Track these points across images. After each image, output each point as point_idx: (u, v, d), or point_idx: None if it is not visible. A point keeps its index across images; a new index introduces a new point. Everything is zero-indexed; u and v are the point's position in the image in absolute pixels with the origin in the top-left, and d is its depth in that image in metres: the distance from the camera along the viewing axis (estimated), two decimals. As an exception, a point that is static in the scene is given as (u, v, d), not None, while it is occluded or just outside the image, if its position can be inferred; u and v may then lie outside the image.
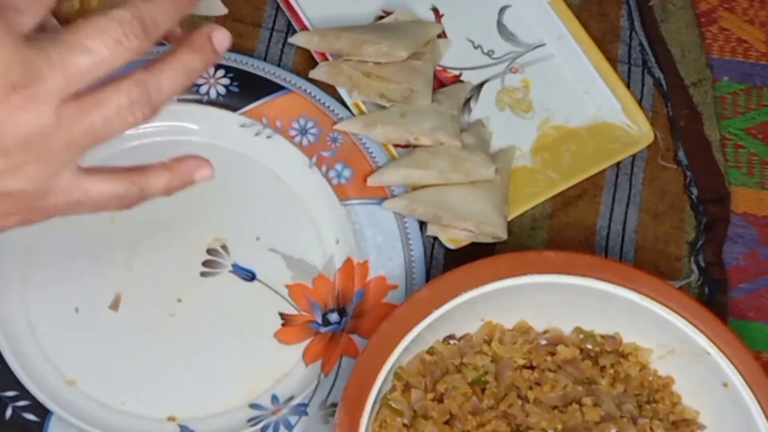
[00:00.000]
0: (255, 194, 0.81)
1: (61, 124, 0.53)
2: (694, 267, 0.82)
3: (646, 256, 0.82)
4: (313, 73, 0.83)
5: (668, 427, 0.72)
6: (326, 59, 0.83)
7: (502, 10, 0.89)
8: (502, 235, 0.78)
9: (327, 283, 0.79)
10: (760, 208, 0.85)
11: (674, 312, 0.71)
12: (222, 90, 0.82)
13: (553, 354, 0.73)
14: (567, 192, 0.83)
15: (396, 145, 0.82)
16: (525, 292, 0.72)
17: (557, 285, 0.71)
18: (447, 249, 0.80)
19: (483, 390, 0.72)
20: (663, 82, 0.88)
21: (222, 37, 0.59)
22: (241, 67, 0.82)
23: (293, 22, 0.85)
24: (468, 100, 0.85)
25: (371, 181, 0.80)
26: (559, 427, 0.70)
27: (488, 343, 0.73)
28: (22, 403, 0.71)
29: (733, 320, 0.80)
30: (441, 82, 0.86)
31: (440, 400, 0.71)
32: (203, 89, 0.82)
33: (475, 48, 0.88)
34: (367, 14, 0.87)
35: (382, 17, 0.87)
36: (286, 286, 0.78)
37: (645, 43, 0.89)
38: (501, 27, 0.89)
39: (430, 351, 0.72)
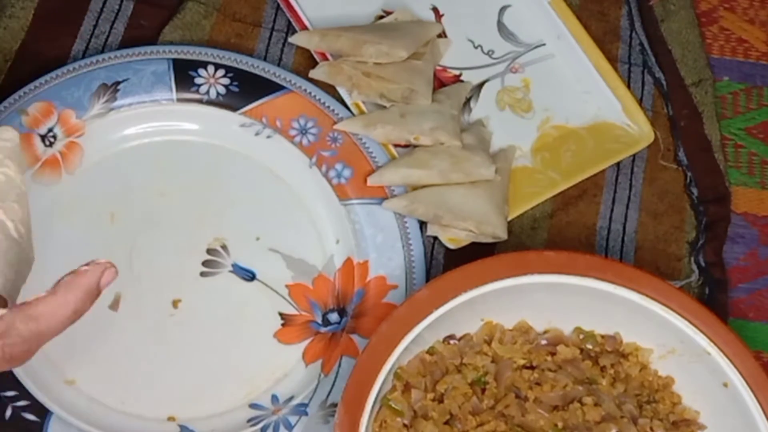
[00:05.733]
0: (255, 194, 0.81)
1: None
2: (694, 267, 0.82)
3: (647, 256, 0.82)
4: (313, 73, 0.83)
5: (668, 427, 0.72)
6: (326, 59, 0.83)
7: (502, 9, 0.89)
8: (502, 235, 0.78)
9: (327, 283, 0.79)
10: (761, 208, 0.85)
11: (674, 312, 0.71)
12: (222, 90, 0.82)
13: (553, 354, 0.73)
14: (567, 192, 0.83)
15: (396, 145, 0.82)
16: (525, 292, 0.71)
17: (557, 285, 0.71)
18: (447, 249, 0.80)
19: (483, 390, 0.71)
20: (663, 82, 0.88)
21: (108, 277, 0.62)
22: (241, 66, 0.83)
23: (293, 22, 0.85)
24: (468, 100, 0.85)
25: (371, 181, 0.80)
26: (560, 426, 0.70)
27: (488, 343, 0.73)
28: (22, 403, 0.71)
29: (733, 320, 0.80)
30: (441, 82, 0.86)
31: (440, 401, 0.71)
32: (203, 89, 0.82)
33: (475, 48, 0.88)
34: (367, 14, 0.87)
35: (382, 17, 0.87)
36: (286, 286, 0.78)
37: (645, 43, 0.89)
38: (501, 27, 0.89)
39: (430, 351, 0.72)
